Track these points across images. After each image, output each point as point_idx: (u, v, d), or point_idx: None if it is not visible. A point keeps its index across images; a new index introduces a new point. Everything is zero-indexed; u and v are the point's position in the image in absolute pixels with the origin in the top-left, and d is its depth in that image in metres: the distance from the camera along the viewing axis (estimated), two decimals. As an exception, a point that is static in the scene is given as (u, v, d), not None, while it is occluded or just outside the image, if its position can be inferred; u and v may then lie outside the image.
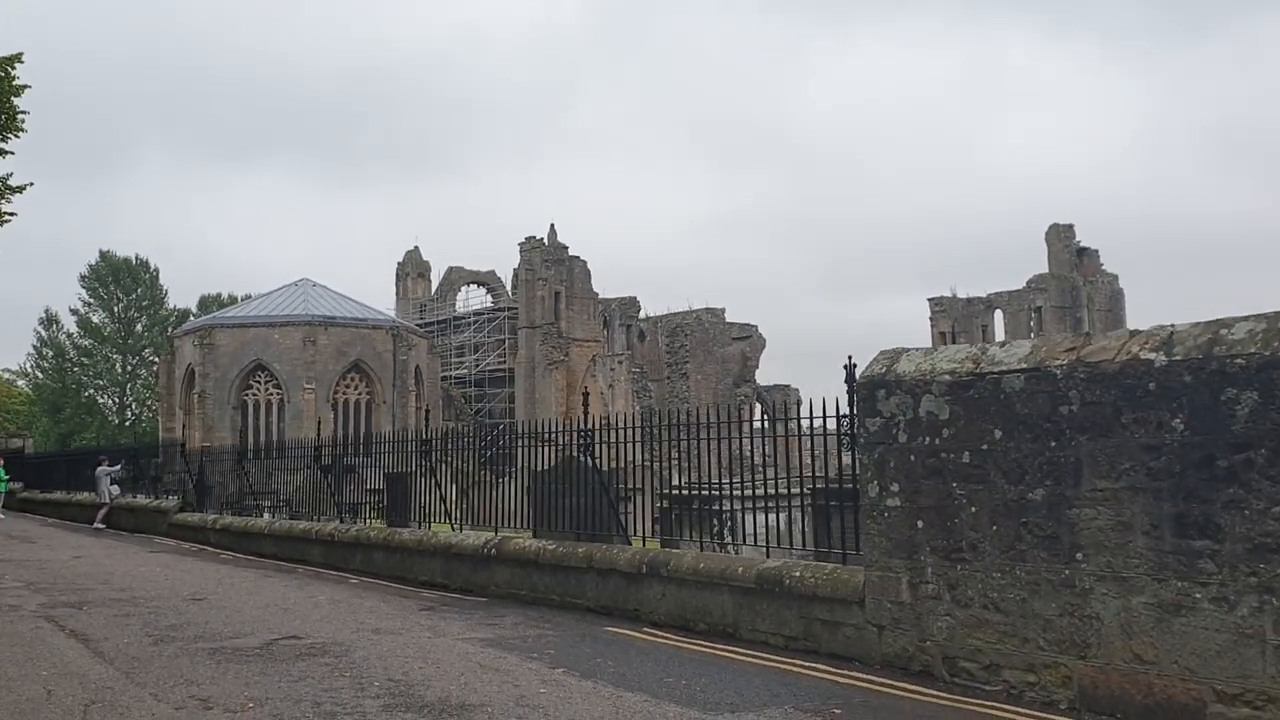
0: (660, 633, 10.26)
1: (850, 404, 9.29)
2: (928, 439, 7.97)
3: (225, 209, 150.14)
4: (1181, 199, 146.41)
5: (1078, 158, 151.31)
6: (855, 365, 9.31)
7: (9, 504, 33.87)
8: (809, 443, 11.15)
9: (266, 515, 20.48)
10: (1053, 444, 7.18)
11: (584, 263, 59.67)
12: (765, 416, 12.00)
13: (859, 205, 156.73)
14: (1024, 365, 7.47)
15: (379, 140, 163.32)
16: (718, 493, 12.89)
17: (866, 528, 8.50)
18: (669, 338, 58.60)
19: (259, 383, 58.92)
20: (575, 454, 13.06)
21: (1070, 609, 7.01)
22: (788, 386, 64.22)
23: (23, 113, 26.31)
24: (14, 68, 25.64)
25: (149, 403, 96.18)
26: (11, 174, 26.84)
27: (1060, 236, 68.06)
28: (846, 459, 9.55)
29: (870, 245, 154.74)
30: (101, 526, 27.47)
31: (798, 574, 9.19)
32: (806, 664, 8.60)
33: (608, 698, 7.43)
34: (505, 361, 71.28)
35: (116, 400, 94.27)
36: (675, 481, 13.77)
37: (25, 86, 26.47)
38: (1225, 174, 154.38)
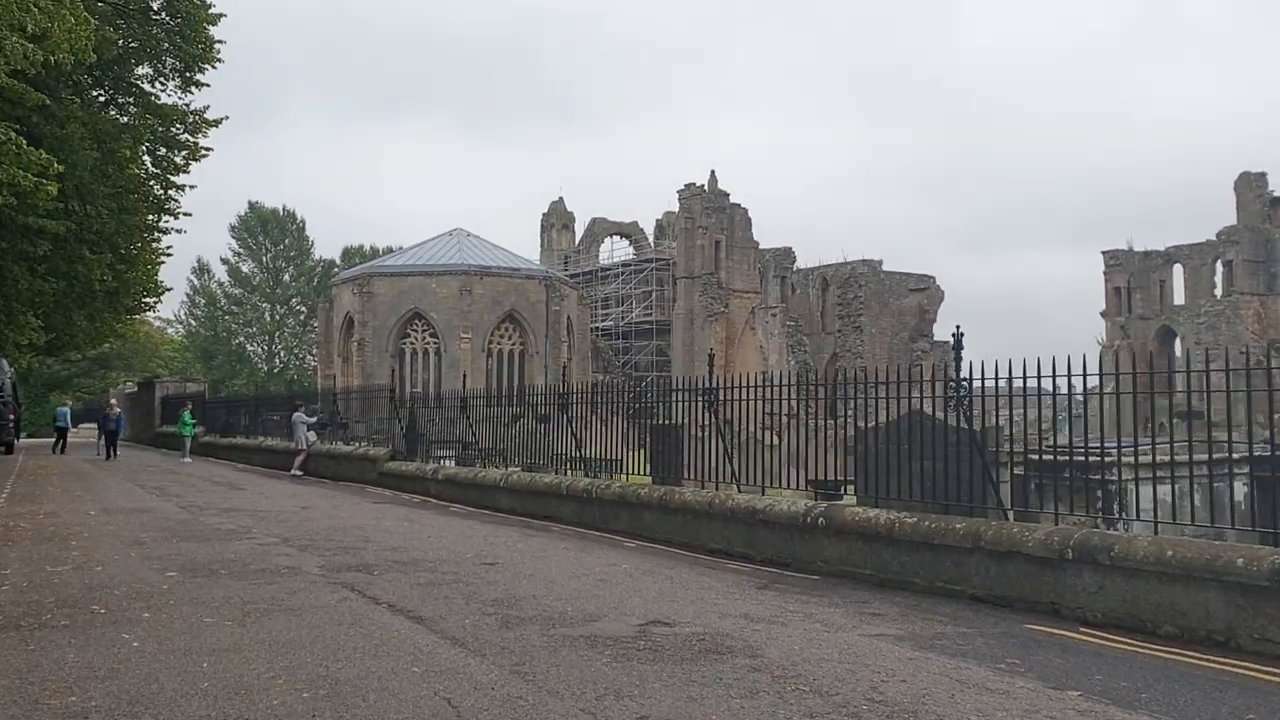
0: (1102, 634, 8.25)
1: None
2: None
3: (370, 162, 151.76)
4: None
5: (1250, 106, 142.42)
6: None
7: (191, 448, 33.45)
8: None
9: (498, 467, 18.97)
10: None
11: (744, 210, 57.35)
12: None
13: (1014, 158, 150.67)
14: None
15: (523, 93, 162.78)
16: (1104, 458, 10.77)
17: None
18: (840, 289, 55.96)
19: (416, 331, 58.31)
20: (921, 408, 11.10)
21: None
22: (946, 343, 61.17)
23: (219, 42, 25.28)
24: (209, -7, 24.50)
25: (296, 350, 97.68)
26: (208, 107, 25.92)
27: (1251, 186, 63.19)
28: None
29: (1026, 198, 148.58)
30: (300, 473, 26.56)
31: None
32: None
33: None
34: (651, 313, 69.63)
35: (265, 348, 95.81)
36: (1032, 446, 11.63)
37: (221, 15, 25.38)
38: None
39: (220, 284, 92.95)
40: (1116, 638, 8.12)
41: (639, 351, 68.77)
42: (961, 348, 10.26)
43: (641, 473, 16.94)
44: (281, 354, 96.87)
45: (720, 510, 12.85)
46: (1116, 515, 10.66)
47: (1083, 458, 10.65)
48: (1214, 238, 63.21)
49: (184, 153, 25.08)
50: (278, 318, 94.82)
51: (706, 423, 14.43)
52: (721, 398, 13.72)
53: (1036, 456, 11.13)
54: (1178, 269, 67.23)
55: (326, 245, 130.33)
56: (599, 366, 66.76)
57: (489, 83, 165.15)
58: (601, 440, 19.62)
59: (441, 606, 8.83)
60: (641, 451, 18.31)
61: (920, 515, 10.38)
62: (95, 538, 13.31)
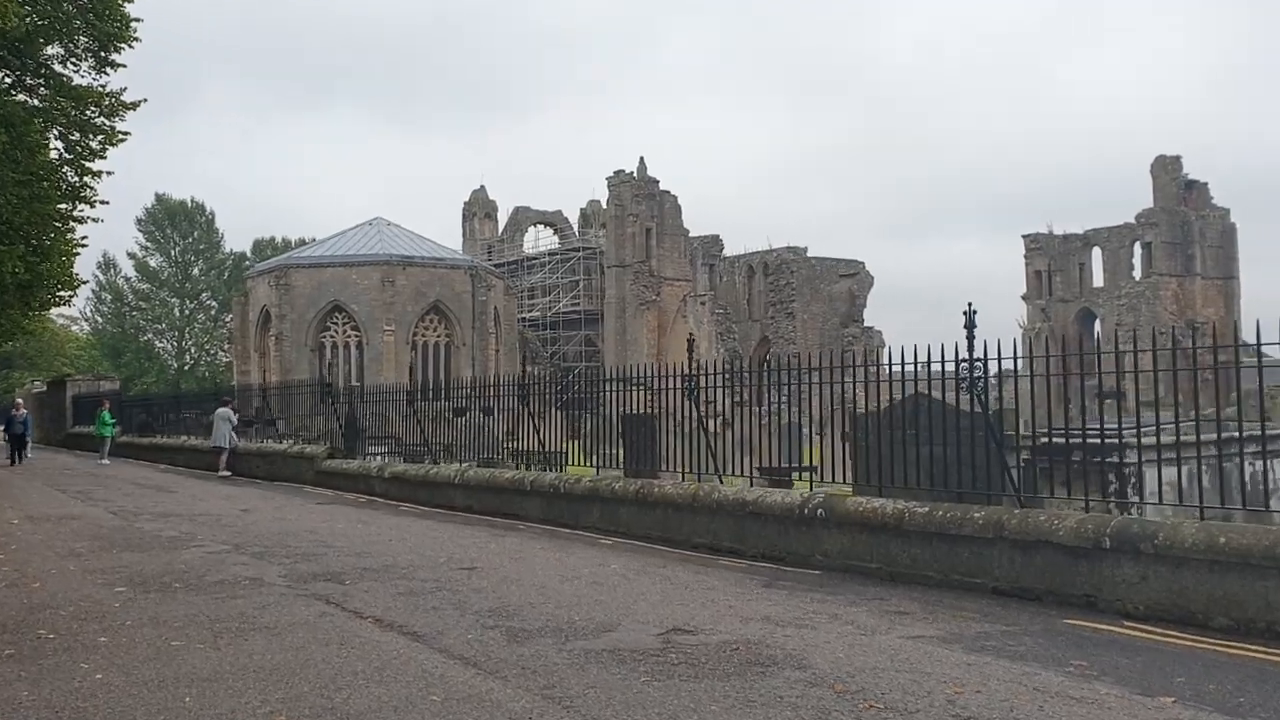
0: (1150, 628, 7.73)
1: None
2: None
3: (280, 152, 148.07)
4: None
5: (1169, 92, 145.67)
6: None
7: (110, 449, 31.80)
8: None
9: (450, 463, 18.05)
10: None
11: (674, 198, 56.69)
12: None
13: (934, 145, 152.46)
14: None
15: (441, 82, 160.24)
16: (1116, 440, 10.31)
17: None
18: (772, 275, 55.61)
19: (336, 324, 56.76)
20: (927, 392, 10.55)
21: None
22: (870, 328, 61.28)
23: (136, 20, 23.84)
24: (125, -31, 23.09)
25: (207, 346, 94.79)
26: (125, 89, 24.41)
27: (1167, 169, 64.32)
28: None
29: (945, 185, 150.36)
30: (227, 474, 25.31)
31: None
32: None
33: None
34: (579, 303, 68.78)
35: (175, 344, 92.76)
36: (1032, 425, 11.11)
37: (138, -10, 23.88)
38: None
39: (127, 279, 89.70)
40: (1168, 632, 7.61)
41: (567, 342, 67.90)
42: (975, 325, 9.70)
43: (580, 464, 16.27)
44: (192, 350, 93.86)
45: (705, 503, 12.17)
46: (1130, 499, 10.20)
47: (1098, 440, 10.19)
48: (1132, 221, 64.28)
49: (100, 137, 23.58)
50: (187, 313, 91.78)
51: (664, 411, 13.77)
52: (703, 384, 13.01)
53: (1047, 440, 10.61)
54: (1096, 252, 68.35)
55: (237, 238, 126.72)
56: (527, 358, 65.75)
57: (405, 71, 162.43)
58: (530, 433, 18.93)
59: (434, 619, 8.01)
60: (575, 442, 17.68)
61: (932, 505, 9.80)
62: (25, 549, 12.18)
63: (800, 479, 15.89)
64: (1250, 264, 64.55)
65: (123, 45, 23.75)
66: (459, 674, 6.38)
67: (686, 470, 13.13)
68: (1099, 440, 10.29)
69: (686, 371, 13.02)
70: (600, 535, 13.44)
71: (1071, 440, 10.44)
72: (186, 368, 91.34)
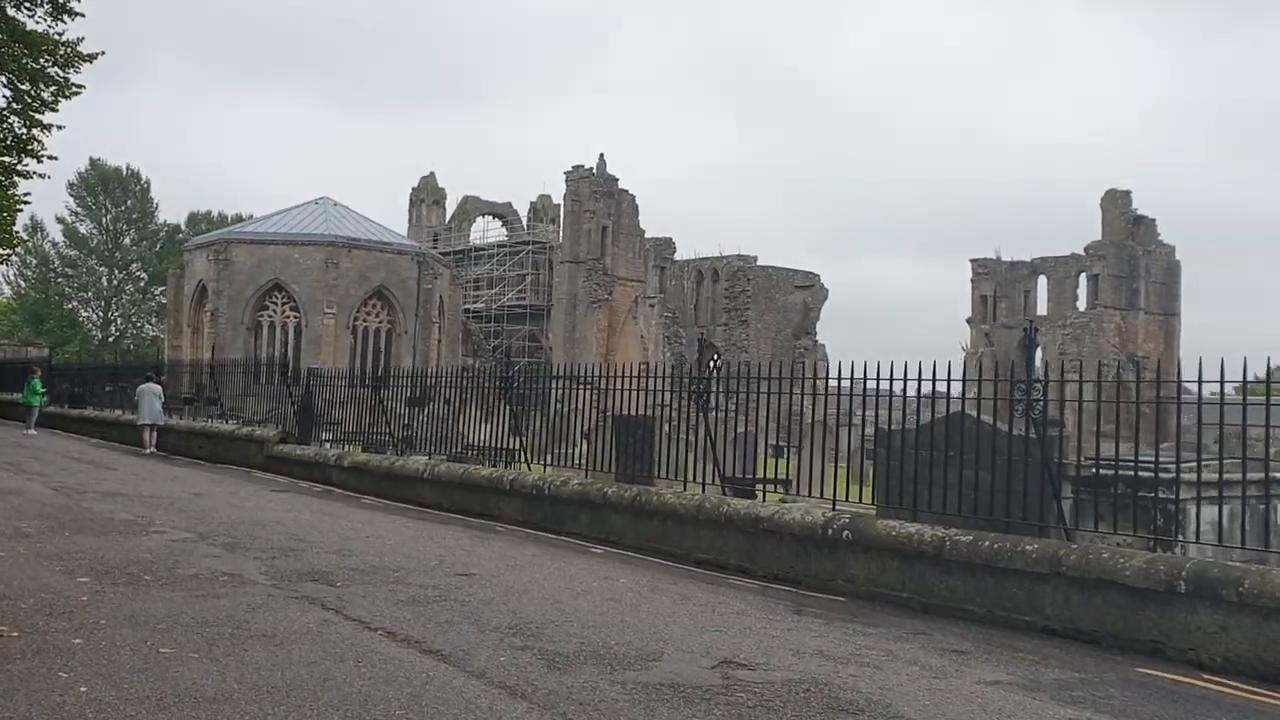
0: (1233, 684, 7.14)
1: None
2: None
3: (225, 126, 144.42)
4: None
5: (1119, 124, 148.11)
6: None
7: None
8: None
9: (422, 456, 17.05)
10: None
11: (632, 197, 55.82)
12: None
13: (882, 165, 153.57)
14: None
15: (391, 66, 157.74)
16: (1161, 473, 9.74)
17: None
18: (729, 281, 54.98)
19: (275, 303, 55.03)
20: (964, 410, 9.92)
21: None
22: (821, 344, 61.09)
23: (98, -34, 22.48)
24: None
25: (134, 318, 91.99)
26: (83, 39, 23.03)
27: (1117, 203, 64.95)
28: None
29: (891, 205, 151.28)
30: (153, 450, 24.04)
31: None
32: None
33: None
34: (525, 297, 67.68)
35: (100, 314, 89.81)
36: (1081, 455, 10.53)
37: (101, -64, 22.51)
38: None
39: (55, 244, 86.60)
40: (1256, 689, 7.03)
41: (511, 336, 66.74)
42: (1035, 345, 9.11)
43: (534, 463, 15.52)
44: (118, 321, 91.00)
45: (712, 516, 11.40)
46: (1173, 537, 9.65)
47: (1150, 473, 9.62)
48: (1079, 251, 64.84)
49: (53, 88, 22.18)
50: (116, 283, 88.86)
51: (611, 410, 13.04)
52: (712, 388, 12.28)
53: (1093, 470, 10.05)
54: (1042, 280, 68.87)
55: (172, 209, 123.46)
56: (469, 350, 64.51)
57: (354, 53, 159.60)
58: (482, 428, 18.23)
59: (453, 636, 7.15)
60: (516, 439, 16.91)
61: (977, 534, 9.15)
62: (-37, 528, 11.04)
63: (774, 491, 15.33)
64: (1188, 300, 64.84)
65: (82, -11, 22.40)
66: (509, 708, 5.55)
67: (690, 479, 12.36)
68: (1151, 473, 9.73)
69: (694, 375, 12.27)
70: (589, 543, 12.61)
71: (1121, 471, 9.91)
72: (111, 339, 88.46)
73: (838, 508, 10.75)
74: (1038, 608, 8.61)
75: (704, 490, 12.04)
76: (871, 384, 10.90)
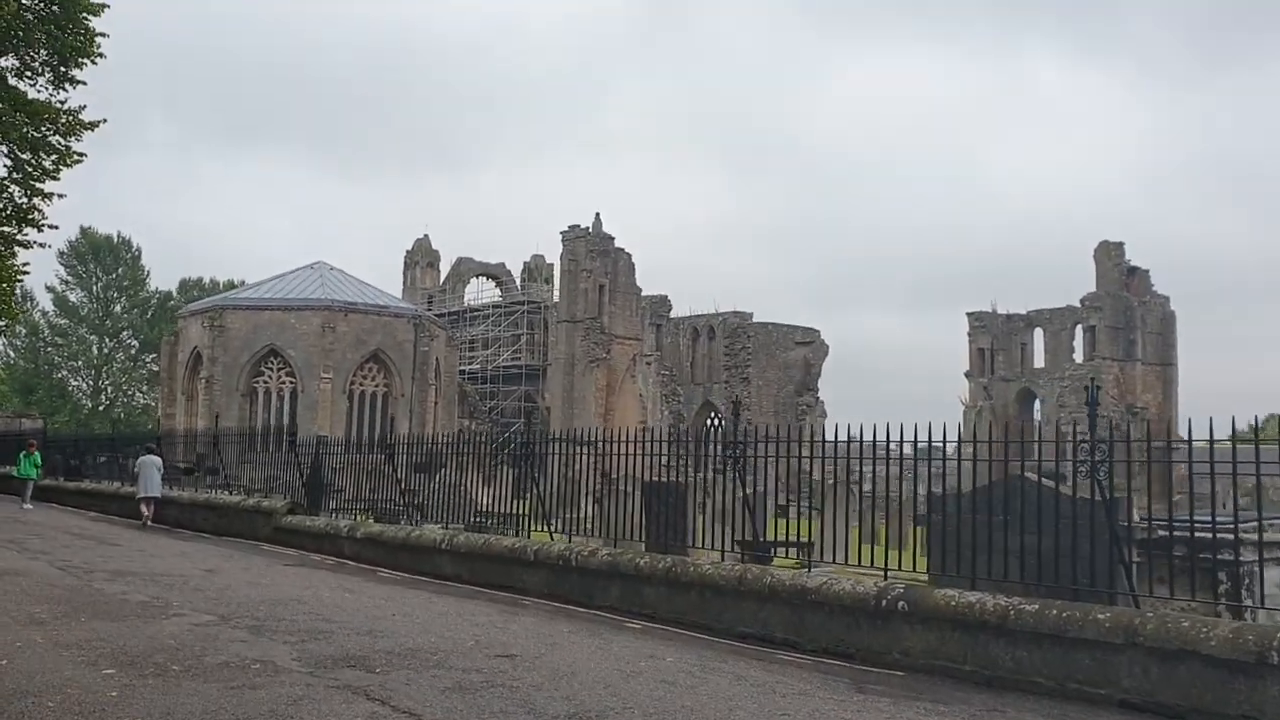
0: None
1: None
2: None
3: (216, 192, 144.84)
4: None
5: (1108, 180, 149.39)
6: None
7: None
8: None
9: (435, 525, 16.60)
10: None
11: (628, 255, 55.81)
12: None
13: (872, 219, 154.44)
14: None
15: (384, 131, 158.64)
16: (1221, 534, 9.41)
17: None
18: (729, 339, 54.75)
19: (271, 369, 54.71)
20: (1021, 472, 9.58)
21: None
22: (815, 397, 60.80)
23: (101, 34, 22.42)
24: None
25: (125, 386, 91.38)
26: (85, 106, 22.89)
27: (1110, 254, 65.17)
28: None
29: (883, 259, 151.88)
30: (151, 523, 23.52)
31: None
32: None
33: None
34: (521, 358, 67.47)
35: (90, 383, 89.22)
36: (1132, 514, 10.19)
37: (104, 5, 22.56)
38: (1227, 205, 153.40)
39: (45, 313, 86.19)
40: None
41: (507, 397, 66.39)
42: (1098, 403, 8.76)
43: (541, 529, 15.18)
44: (109, 390, 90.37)
45: (754, 588, 10.98)
46: (1241, 601, 9.29)
47: (1209, 534, 9.29)
48: (1075, 304, 64.89)
49: (54, 157, 21.96)
50: (106, 351, 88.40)
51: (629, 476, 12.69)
52: (748, 453, 11.91)
53: (1148, 533, 9.69)
54: (1038, 332, 68.85)
55: (163, 277, 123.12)
56: (465, 411, 64.08)
57: (345, 117, 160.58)
58: (483, 492, 17.93)
59: (513, 728, 6.71)
60: (519, 503, 16.65)
61: (1043, 602, 8.77)
62: (-28, 614, 10.55)
63: (788, 556, 14.92)
64: (1191, 350, 65.11)
65: (85, 61, 22.34)
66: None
67: (726, 549, 11.95)
68: (1209, 533, 9.40)
69: (729, 437, 11.92)
70: (622, 617, 12.16)
71: (1177, 534, 9.54)
72: (101, 408, 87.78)
73: (889, 577, 10.35)
74: (1113, 680, 8.20)
75: (723, 557, 11.69)
76: (917, 446, 10.60)
